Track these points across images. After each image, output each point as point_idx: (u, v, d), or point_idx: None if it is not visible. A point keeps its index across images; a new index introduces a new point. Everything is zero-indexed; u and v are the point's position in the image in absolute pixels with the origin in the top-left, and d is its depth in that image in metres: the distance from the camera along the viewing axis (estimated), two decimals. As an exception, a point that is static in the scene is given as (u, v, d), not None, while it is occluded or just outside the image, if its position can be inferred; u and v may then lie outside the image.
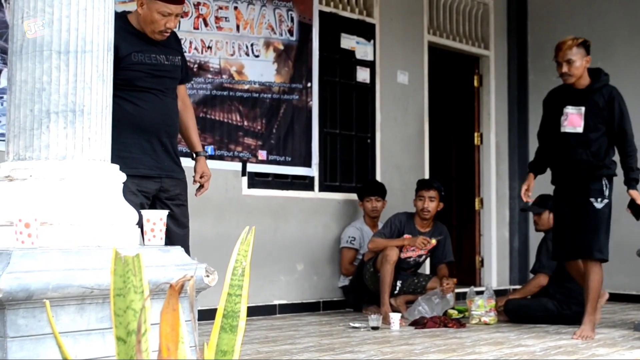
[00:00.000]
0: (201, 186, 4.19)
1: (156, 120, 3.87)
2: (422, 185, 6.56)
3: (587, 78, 5.26)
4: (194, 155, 4.24)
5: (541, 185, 8.02)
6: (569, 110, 5.24)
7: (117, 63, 3.61)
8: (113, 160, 2.92)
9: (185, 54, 5.96)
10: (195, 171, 4.19)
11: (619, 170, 5.26)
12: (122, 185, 2.92)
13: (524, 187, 5.45)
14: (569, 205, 5.26)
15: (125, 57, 3.75)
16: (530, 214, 7.66)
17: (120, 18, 3.85)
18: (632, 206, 5.25)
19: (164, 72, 3.91)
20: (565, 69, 5.18)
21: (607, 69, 7.95)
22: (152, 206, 3.83)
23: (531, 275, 6.53)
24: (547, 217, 6.06)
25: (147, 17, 3.81)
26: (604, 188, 5.17)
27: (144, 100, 3.84)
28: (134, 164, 3.66)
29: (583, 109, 5.20)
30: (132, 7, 5.63)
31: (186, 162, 4.35)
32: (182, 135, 4.21)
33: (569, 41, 5.19)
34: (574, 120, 5.22)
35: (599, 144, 5.19)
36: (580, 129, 5.19)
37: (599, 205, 5.14)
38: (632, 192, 5.17)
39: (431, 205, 6.41)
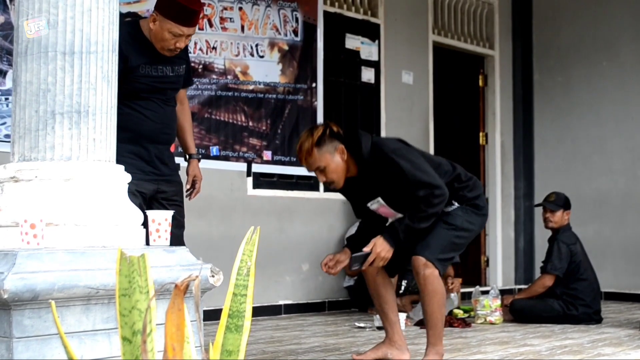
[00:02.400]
0: (193, 189, 4.19)
1: (155, 127, 3.86)
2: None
3: (353, 164, 4.01)
4: (187, 157, 4.24)
5: (556, 185, 8.02)
6: (372, 206, 4.11)
7: (126, 73, 3.59)
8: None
9: (190, 55, 5.97)
10: (187, 174, 4.19)
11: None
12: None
13: (330, 257, 4.12)
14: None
15: (134, 68, 3.73)
16: (538, 212, 7.65)
17: (132, 25, 3.84)
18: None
19: (167, 83, 3.89)
20: (322, 178, 4.00)
21: (613, 69, 8.00)
22: (149, 207, 3.82)
23: (537, 275, 6.51)
24: (561, 215, 6.06)
25: (157, 34, 3.76)
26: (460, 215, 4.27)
27: (144, 107, 3.82)
28: (131, 169, 3.66)
29: (379, 199, 4.06)
30: (136, 7, 5.64)
31: (180, 162, 4.36)
32: (177, 136, 4.19)
33: (305, 145, 3.93)
34: (385, 213, 4.13)
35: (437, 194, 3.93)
36: (398, 214, 4.05)
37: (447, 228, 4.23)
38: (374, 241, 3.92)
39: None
